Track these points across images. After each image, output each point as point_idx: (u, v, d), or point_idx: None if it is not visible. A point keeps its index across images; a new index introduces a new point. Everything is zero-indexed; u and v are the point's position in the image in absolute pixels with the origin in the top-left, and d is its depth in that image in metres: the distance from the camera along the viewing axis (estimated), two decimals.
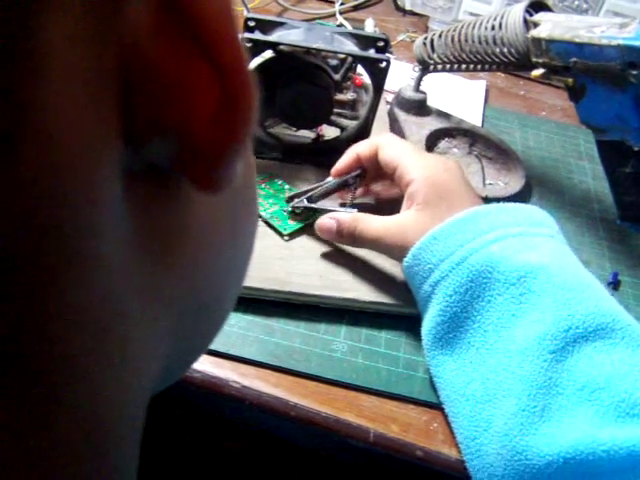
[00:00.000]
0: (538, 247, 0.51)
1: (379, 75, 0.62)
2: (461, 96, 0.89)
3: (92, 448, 0.16)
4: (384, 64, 0.61)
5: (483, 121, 0.86)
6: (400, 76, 0.89)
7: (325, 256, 0.61)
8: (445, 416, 0.52)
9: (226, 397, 0.52)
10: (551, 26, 0.59)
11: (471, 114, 0.85)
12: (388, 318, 0.58)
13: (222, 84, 0.15)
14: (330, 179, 0.63)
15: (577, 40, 0.57)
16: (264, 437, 0.57)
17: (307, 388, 0.53)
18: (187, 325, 0.22)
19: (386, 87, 0.84)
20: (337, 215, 0.60)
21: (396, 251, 0.56)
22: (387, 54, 0.64)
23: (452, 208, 0.54)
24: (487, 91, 0.92)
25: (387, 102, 0.82)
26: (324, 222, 0.60)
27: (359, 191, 0.64)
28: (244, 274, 0.27)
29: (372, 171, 0.62)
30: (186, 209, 0.19)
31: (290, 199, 0.63)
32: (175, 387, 0.52)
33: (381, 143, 0.60)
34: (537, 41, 0.60)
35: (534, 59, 0.61)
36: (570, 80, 0.60)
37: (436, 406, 0.53)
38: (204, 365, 0.53)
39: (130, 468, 0.19)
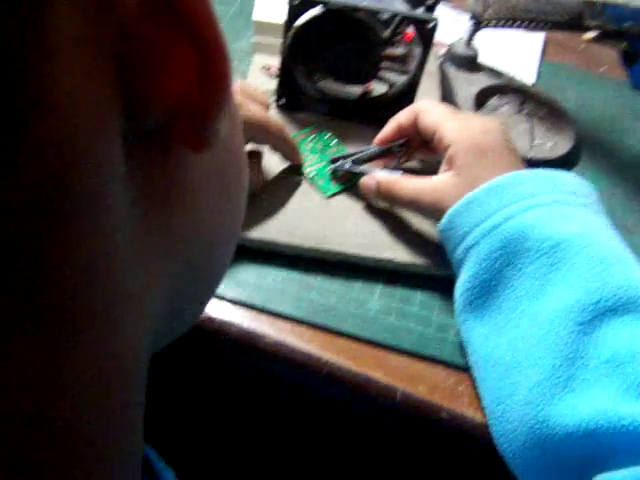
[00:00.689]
0: (573, 217, 0.51)
1: (426, 35, 0.62)
2: (516, 51, 0.86)
3: (101, 381, 0.18)
4: (431, 24, 0.60)
5: (537, 78, 0.84)
6: (454, 27, 0.87)
7: (364, 216, 0.62)
8: (472, 380, 0.54)
9: (260, 351, 0.54)
10: None
11: (525, 70, 0.84)
12: (424, 279, 0.59)
13: (200, 53, 0.17)
14: (373, 147, 0.63)
15: (632, 4, 0.55)
16: (295, 391, 0.59)
17: (339, 345, 0.55)
18: (180, 287, 0.24)
19: (439, 39, 0.83)
20: (378, 175, 0.60)
21: (431, 213, 0.57)
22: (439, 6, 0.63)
23: (490, 171, 0.54)
24: (545, 45, 0.89)
25: (438, 56, 0.81)
26: (366, 180, 0.61)
27: (403, 158, 0.64)
28: (233, 237, 0.29)
29: (416, 139, 0.62)
30: (181, 170, 0.21)
31: (334, 161, 0.64)
32: (211, 340, 0.55)
33: (420, 109, 0.60)
34: (591, 3, 0.59)
35: (587, 22, 0.60)
36: (624, 44, 0.58)
37: (464, 369, 0.54)
38: (241, 318, 0.55)
39: (134, 414, 0.21)
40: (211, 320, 0.55)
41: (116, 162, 0.17)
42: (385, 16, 0.66)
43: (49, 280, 0.15)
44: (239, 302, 0.56)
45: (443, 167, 0.57)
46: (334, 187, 0.63)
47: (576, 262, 0.49)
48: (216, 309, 0.55)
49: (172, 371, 0.62)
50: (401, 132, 0.62)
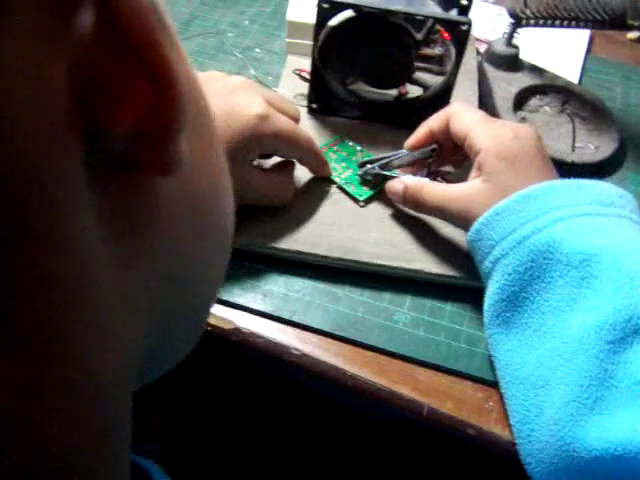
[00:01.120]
0: (605, 229, 0.49)
1: (460, 37, 0.60)
2: (560, 47, 0.84)
3: (76, 401, 0.18)
4: (465, 27, 0.59)
5: (582, 75, 0.81)
6: (496, 23, 0.85)
7: (393, 226, 0.61)
8: (501, 396, 0.52)
9: (286, 363, 0.54)
10: None
11: (569, 67, 0.81)
12: (454, 290, 0.58)
13: (151, 80, 0.17)
14: (403, 151, 0.62)
15: None
16: (320, 403, 0.59)
17: (366, 358, 0.54)
18: (165, 306, 0.24)
19: (479, 36, 0.81)
20: (406, 179, 0.59)
21: (459, 221, 0.56)
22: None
23: (520, 180, 0.52)
24: (591, 39, 0.86)
25: (478, 53, 0.79)
26: (393, 184, 0.60)
27: (434, 165, 0.62)
28: (222, 256, 0.28)
29: (448, 144, 0.60)
30: (150, 197, 0.20)
31: (363, 165, 0.63)
32: (238, 351, 0.55)
33: (452, 113, 0.58)
34: (635, 3, 0.56)
35: (630, 21, 0.57)
36: None
37: (493, 384, 0.53)
38: (267, 330, 0.55)
39: (118, 433, 0.21)
40: (238, 331, 0.55)
41: (78, 192, 0.17)
42: (419, 17, 0.65)
43: (18, 310, 0.15)
44: (266, 314, 0.56)
45: (473, 174, 0.56)
46: (367, 191, 0.62)
47: (607, 277, 0.47)
48: (243, 320, 0.55)
49: (199, 381, 0.62)
50: (433, 137, 0.60)
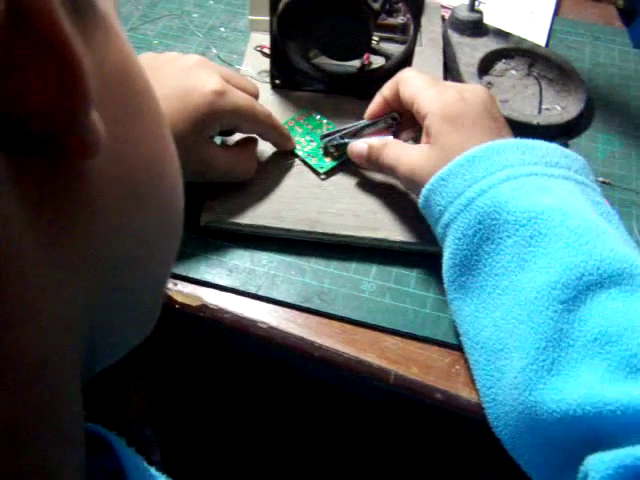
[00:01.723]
0: (551, 189, 0.49)
1: (415, 7, 0.60)
2: (526, 10, 0.83)
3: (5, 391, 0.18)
4: None
5: (549, 37, 0.81)
6: None
7: (357, 196, 0.61)
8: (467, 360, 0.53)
9: (253, 337, 0.54)
10: None
11: (536, 30, 0.80)
12: (420, 257, 0.59)
13: (55, 63, 0.17)
14: (364, 121, 0.62)
15: None
16: (290, 374, 0.59)
17: (333, 328, 0.55)
18: (107, 288, 0.24)
19: (445, 2, 0.81)
20: (370, 140, 0.59)
21: (407, 184, 0.56)
22: None
23: (465, 141, 0.52)
24: (558, 1, 0.86)
25: (444, 20, 0.78)
26: (357, 145, 0.60)
27: (401, 134, 0.62)
28: (169, 235, 0.28)
29: (406, 112, 0.60)
30: (78, 180, 0.21)
31: (325, 136, 0.63)
32: (205, 326, 0.56)
33: (400, 80, 0.58)
34: None
35: None
36: (620, 2, 0.55)
37: (460, 349, 0.53)
38: (235, 305, 0.55)
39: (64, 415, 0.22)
40: (206, 307, 0.55)
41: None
42: None
43: None
44: (233, 289, 0.56)
45: (423, 138, 0.55)
46: (328, 164, 0.62)
47: (556, 235, 0.46)
48: (210, 296, 0.56)
49: (167, 357, 0.63)
50: (387, 105, 0.60)
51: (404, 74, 0.58)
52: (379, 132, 0.62)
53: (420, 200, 0.53)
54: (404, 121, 0.61)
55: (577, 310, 0.45)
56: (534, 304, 0.46)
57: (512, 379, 0.46)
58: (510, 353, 0.47)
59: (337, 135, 0.62)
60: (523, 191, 0.48)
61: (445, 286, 0.52)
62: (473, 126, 0.53)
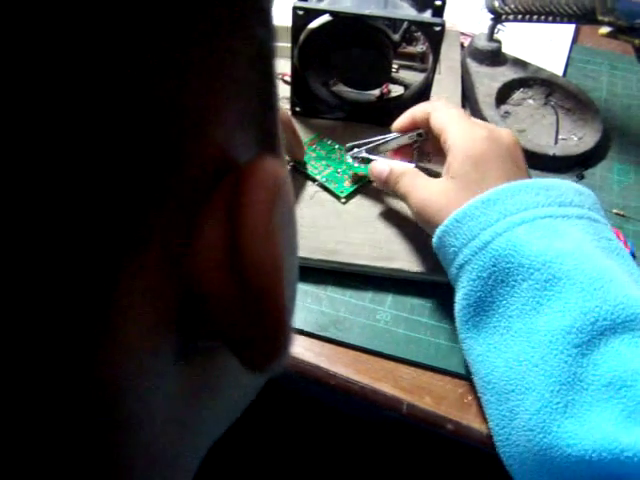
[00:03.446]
0: (565, 232, 0.49)
1: (434, 39, 0.61)
2: (545, 39, 0.84)
3: None
4: (439, 28, 0.59)
5: (567, 66, 0.81)
6: (481, 17, 0.85)
7: (373, 225, 0.62)
8: None
9: None
10: None
11: (554, 59, 0.81)
12: (435, 287, 0.59)
13: (262, 329, 0.18)
14: (391, 135, 0.62)
15: None
16: (304, 401, 0.61)
17: (348, 357, 0.56)
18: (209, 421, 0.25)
19: (464, 30, 0.82)
20: (392, 163, 0.60)
21: (419, 218, 0.56)
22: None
23: (486, 182, 0.52)
24: (577, 29, 0.86)
25: (462, 48, 0.79)
26: (379, 165, 0.60)
27: (419, 153, 0.63)
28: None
29: (431, 136, 0.60)
30: (217, 373, 0.22)
31: (350, 149, 0.63)
32: None
33: (432, 109, 0.59)
34: None
35: (600, 17, 0.58)
36: (637, 41, 0.56)
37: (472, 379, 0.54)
38: None
39: None
40: None
41: (165, 376, 0.19)
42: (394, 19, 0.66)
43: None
44: None
45: (443, 171, 0.56)
46: (348, 188, 0.64)
47: (570, 279, 0.47)
48: None
49: None
50: (415, 126, 0.61)
51: (437, 104, 0.59)
52: (404, 148, 0.63)
53: (434, 240, 0.53)
54: (430, 144, 0.62)
55: (591, 354, 0.45)
56: (548, 347, 0.46)
57: (526, 420, 0.46)
58: (522, 395, 0.47)
59: (363, 148, 0.62)
60: (538, 234, 0.49)
61: (457, 325, 0.53)
62: (495, 168, 0.53)
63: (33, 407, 0.15)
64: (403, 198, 0.58)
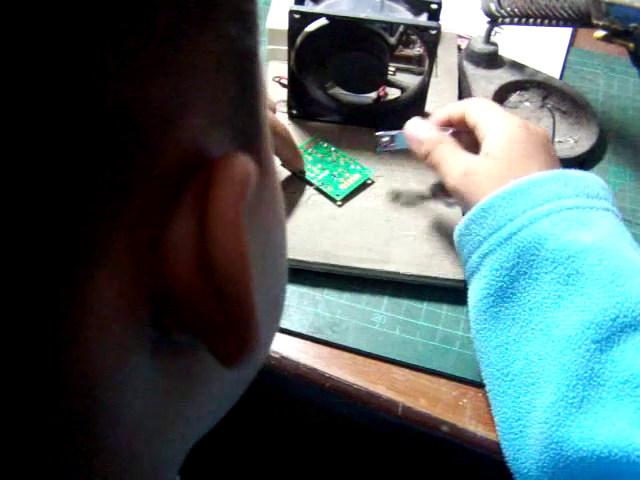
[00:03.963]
0: (592, 223, 0.49)
1: (430, 42, 0.61)
2: (542, 41, 0.84)
3: None
4: (434, 32, 0.60)
5: (564, 68, 0.82)
6: (478, 19, 0.86)
7: (369, 228, 0.62)
8: (475, 393, 0.54)
9: (266, 366, 0.56)
10: None
11: (551, 62, 0.81)
12: (430, 290, 0.60)
13: (231, 321, 0.18)
14: None
15: (636, 4, 0.53)
16: (299, 403, 0.61)
17: (344, 359, 0.56)
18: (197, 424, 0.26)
19: (461, 32, 0.82)
20: (429, 128, 0.59)
21: (452, 190, 0.56)
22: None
23: (524, 166, 0.53)
24: (574, 32, 0.86)
25: (460, 50, 0.80)
26: (415, 125, 0.60)
27: None
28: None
29: (466, 136, 0.60)
30: (200, 367, 0.22)
31: (378, 136, 0.62)
32: None
33: (467, 104, 0.59)
34: (597, 3, 0.57)
35: (595, 21, 0.58)
36: (631, 45, 0.56)
37: (468, 382, 0.55)
38: None
39: None
40: None
41: (141, 372, 0.19)
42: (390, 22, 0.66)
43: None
44: None
45: (480, 153, 0.56)
46: (343, 190, 0.64)
47: (593, 274, 0.47)
48: None
49: None
50: (449, 123, 0.60)
51: (474, 99, 0.60)
52: None
53: (460, 227, 0.53)
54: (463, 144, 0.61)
55: (609, 351, 0.45)
56: (567, 341, 0.46)
57: (541, 413, 0.46)
58: (540, 387, 0.47)
59: (390, 137, 0.62)
60: (564, 226, 0.49)
61: (473, 315, 0.52)
62: (531, 155, 0.54)
63: (2, 403, 0.15)
64: (434, 166, 0.57)
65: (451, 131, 0.59)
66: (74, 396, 0.16)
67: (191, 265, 0.17)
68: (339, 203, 0.64)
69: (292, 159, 0.64)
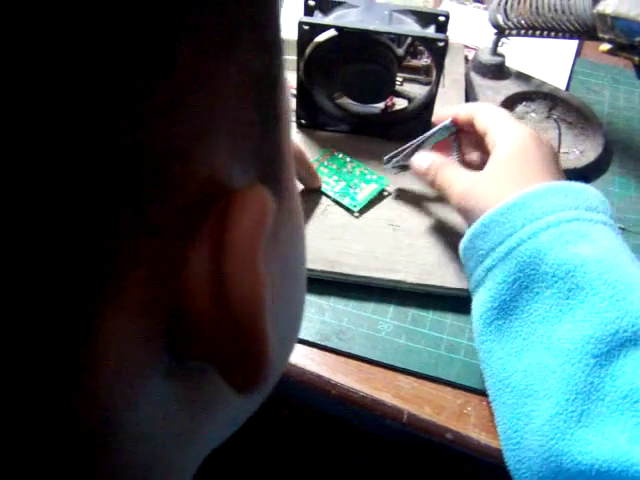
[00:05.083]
0: (591, 237, 0.49)
1: (437, 53, 0.62)
2: (548, 53, 0.85)
3: None
4: (442, 44, 0.60)
5: (570, 79, 0.82)
6: (486, 30, 0.86)
7: (376, 237, 0.63)
8: (479, 401, 0.54)
9: None
10: (618, 2, 0.56)
11: (557, 73, 0.82)
12: (436, 299, 0.60)
13: (244, 351, 0.19)
14: (421, 137, 0.63)
15: None
16: (305, 410, 0.62)
17: (349, 367, 0.57)
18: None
19: (468, 43, 0.83)
20: (433, 156, 0.60)
21: (461, 208, 0.56)
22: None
23: (530, 178, 0.53)
24: (580, 43, 0.87)
25: (467, 61, 0.80)
26: (419, 158, 0.61)
27: (456, 156, 0.63)
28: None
29: (468, 139, 0.61)
30: (214, 389, 0.23)
31: (389, 160, 0.64)
32: None
33: (477, 109, 0.59)
34: (603, 17, 0.58)
35: (600, 34, 0.59)
36: (637, 58, 0.57)
37: (472, 390, 0.55)
38: None
39: None
40: None
41: (155, 395, 0.19)
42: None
43: None
44: None
45: (487, 165, 0.56)
46: (360, 202, 0.65)
47: (593, 289, 0.47)
48: None
49: None
50: (454, 121, 0.61)
51: (482, 105, 0.60)
52: (443, 146, 0.63)
53: (464, 241, 0.54)
54: (469, 147, 0.63)
55: (609, 365, 0.45)
56: (567, 355, 0.46)
57: (540, 426, 0.47)
58: (539, 400, 0.47)
59: (400, 157, 0.63)
60: (563, 240, 0.49)
61: (477, 328, 0.53)
62: (540, 166, 0.54)
63: (18, 420, 0.15)
64: (443, 189, 0.58)
65: (455, 156, 0.60)
66: (91, 422, 0.17)
67: (207, 297, 0.17)
68: (356, 215, 0.64)
69: (307, 178, 0.64)
